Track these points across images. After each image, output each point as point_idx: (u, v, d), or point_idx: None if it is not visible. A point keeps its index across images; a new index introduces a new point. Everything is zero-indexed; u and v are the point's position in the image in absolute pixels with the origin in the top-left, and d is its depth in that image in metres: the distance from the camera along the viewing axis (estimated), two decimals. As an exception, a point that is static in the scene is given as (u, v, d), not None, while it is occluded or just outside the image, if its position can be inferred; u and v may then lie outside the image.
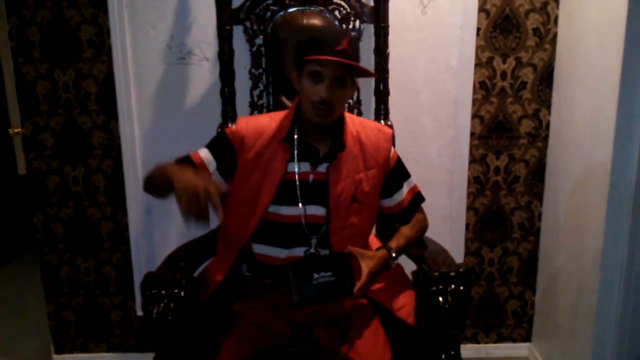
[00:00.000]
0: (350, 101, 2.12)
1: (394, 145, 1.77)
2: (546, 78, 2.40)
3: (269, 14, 2.09)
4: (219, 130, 2.05)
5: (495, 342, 2.69)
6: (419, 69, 2.33)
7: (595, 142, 2.06)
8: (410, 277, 1.71)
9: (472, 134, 2.43)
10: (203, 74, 2.29)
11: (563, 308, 2.36)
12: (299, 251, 1.66)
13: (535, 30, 2.35)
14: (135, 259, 2.48)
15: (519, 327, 2.68)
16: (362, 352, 1.53)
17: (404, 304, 1.68)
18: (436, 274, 1.56)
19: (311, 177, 1.65)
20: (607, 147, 1.94)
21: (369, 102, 2.17)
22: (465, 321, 1.60)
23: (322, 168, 1.64)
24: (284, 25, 2.07)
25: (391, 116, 2.11)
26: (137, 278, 2.46)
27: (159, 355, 1.54)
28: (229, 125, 2.03)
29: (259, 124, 1.66)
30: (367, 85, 2.12)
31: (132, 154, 2.36)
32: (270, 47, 2.10)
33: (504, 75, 2.39)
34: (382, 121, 2.07)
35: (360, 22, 2.11)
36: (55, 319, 2.58)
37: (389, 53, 2.06)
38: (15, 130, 2.71)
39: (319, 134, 1.63)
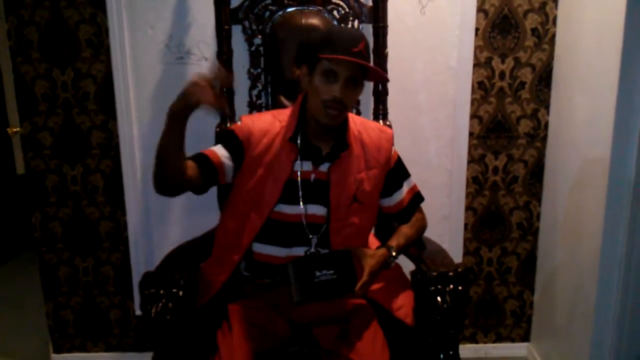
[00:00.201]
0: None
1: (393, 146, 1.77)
2: (545, 78, 2.40)
3: (267, 13, 2.09)
4: (217, 130, 2.05)
5: (494, 342, 2.69)
6: (417, 69, 2.33)
7: (593, 142, 2.07)
8: (409, 277, 1.71)
9: (470, 134, 2.43)
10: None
11: (561, 308, 2.36)
12: (299, 251, 1.66)
13: (533, 30, 2.35)
14: (134, 259, 2.48)
15: (518, 327, 2.68)
16: (361, 352, 1.53)
17: (403, 304, 1.68)
18: (435, 273, 1.57)
19: (313, 176, 1.65)
20: (606, 147, 1.95)
21: (368, 102, 2.17)
22: (463, 321, 1.60)
23: (323, 167, 1.64)
24: (282, 25, 2.07)
25: (390, 116, 2.11)
26: (136, 277, 2.46)
27: (158, 354, 1.54)
28: (228, 124, 2.04)
29: (265, 122, 1.66)
30: (365, 85, 2.11)
31: (131, 154, 2.36)
32: (269, 47, 2.10)
33: (502, 75, 2.39)
34: (380, 121, 2.07)
35: (359, 22, 2.11)
36: (53, 318, 2.58)
37: (387, 53, 2.06)
38: (14, 130, 2.70)
39: (322, 133, 1.63)
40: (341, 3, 2.09)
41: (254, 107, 2.16)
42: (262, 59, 2.13)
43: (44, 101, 2.34)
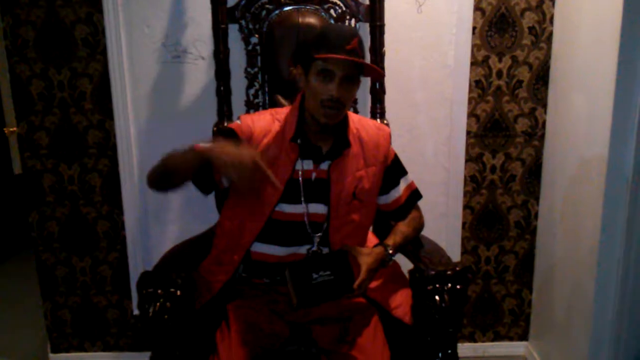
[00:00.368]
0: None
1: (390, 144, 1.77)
2: (542, 77, 2.40)
3: (264, 12, 2.09)
4: (215, 128, 2.05)
5: (492, 340, 2.69)
6: (414, 67, 2.33)
7: (591, 140, 2.07)
8: (407, 275, 1.71)
9: (468, 133, 2.43)
10: (198, 72, 2.28)
11: (560, 306, 2.36)
12: (302, 249, 1.66)
13: (530, 29, 2.35)
14: (131, 258, 2.47)
15: (516, 326, 2.68)
16: (362, 349, 1.53)
17: (401, 303, 1.68)
18: (433, 272, 1.56)
19: (313, 175, 1.65)
20: (603, 145, 1.95)
21: (365, 101, 2.17)
22: (462, 320, 1.60)
23: (324, 166, 1.64)
24: (279, 24, 2.06)
25: (387, 115, 2.11)
26: (134, 277, 2.46)
27: (155, 354, 1.54)
28: (226, 123, 2.03)
29: (264, 122, 1.65)
30: (363, 84, 2.09)
31: (128, 153, 2.35)
32: (266, 46, 2.09)
33: (499, 74, 2.39)
34: (378, 120, 2.07)
35: (356, 21, 2.11)
36: (51, 318, 2.57)
37: (384, 52, 2.06)
38: (11, 130, 2.70)
39: (322, 132, 1.63)
40: (338, 2, 2.09)
41: (251, 106, 2.15)
42: (258, 58, 2.13)
43: (40, 101, 2.33)
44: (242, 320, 1.59)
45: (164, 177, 1.54)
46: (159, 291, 1.51)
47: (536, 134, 2.46)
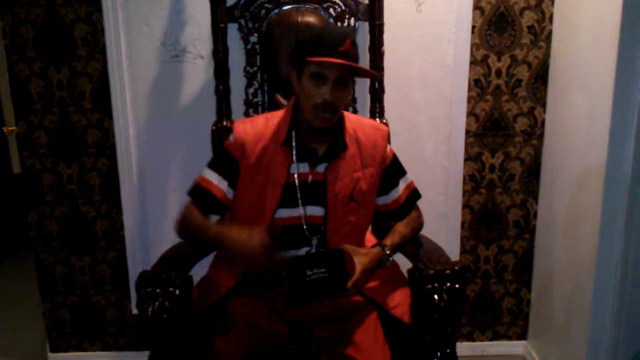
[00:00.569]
0: (346, 99, 2.12)
1: (389, 143, 1.77)
2: (541, 76, 2.40)
3: (263, 11, 2.09)
4: (214, 128, 2.05)
5: (491, 339, 2.69)
6: (414, 66, 2.33)
7: (590, 140, 2.07)
8: (406, 274, 1.71)
9: (467, 132, 2.43)
10: (198, 71, 2.28)
11: (558, 306, 2.36)
12: (300, 252, 1.65)
13: (530, 28, 2.35)
14: (130, 258, 2.47)
15: (515, 325, 2.68)
16: (362, 348, 1.53)
17: (400, 302, 1.68)
18: (431, 271, 1.56)
19: (310, 177, 1.64)
20: (603, 144, 1.95)
21: (364, 100, 2.17)
22: (460, 319, 1.60)
23: (320, 168, 1.64)
24: (278, 23, 2.06)
25: (386, 114, 2.11)
26: (133, 276, 2.45)
27: (154, 353, 1.54)
28: (224, 122, 2.04)
29: (257, 127, 1.64)
30: (362, 84, 2.12)
31: (127, 152, 2.35)
32: (265, 45, 2.09)
33: (499, 73, 2.39)
34: (377, 119, 2.07)
35: (355, 20, 2.11)
36: (50, 317, 2.57)
37: (384, 51, 2.06)
38: (10, 129, 2.70)
39: (317, 134, 1.62)
40: (337, 1, 2.09)
41: (250, 105, 2.15)
42: (258, 57, 2.13)
43: (40, 100, 2.33)
44: (241, 319, 1.59)
45: (189, 239, 1.70)
46: (158, 290, 1.51)
47: (535, 133, 2.46)
